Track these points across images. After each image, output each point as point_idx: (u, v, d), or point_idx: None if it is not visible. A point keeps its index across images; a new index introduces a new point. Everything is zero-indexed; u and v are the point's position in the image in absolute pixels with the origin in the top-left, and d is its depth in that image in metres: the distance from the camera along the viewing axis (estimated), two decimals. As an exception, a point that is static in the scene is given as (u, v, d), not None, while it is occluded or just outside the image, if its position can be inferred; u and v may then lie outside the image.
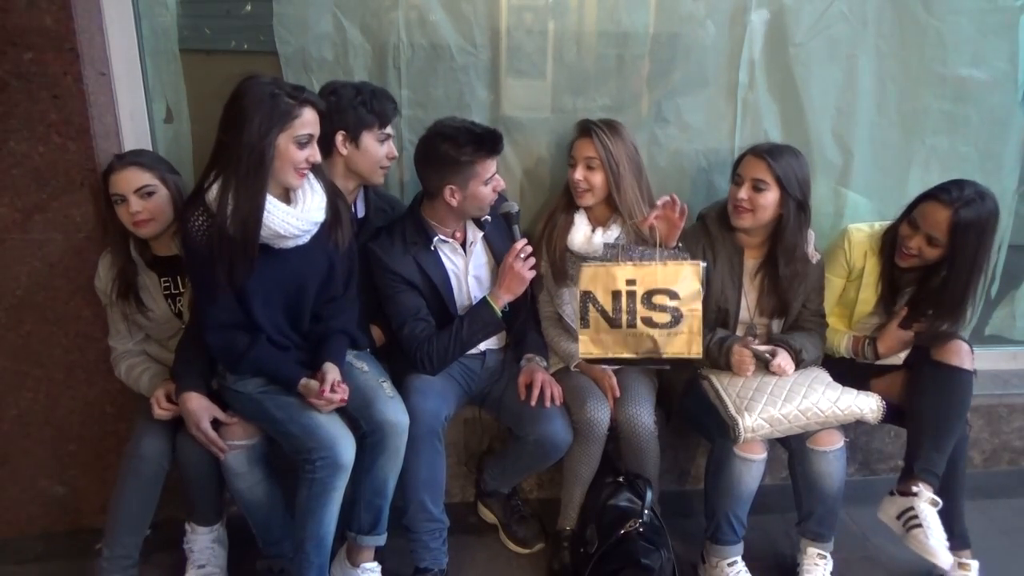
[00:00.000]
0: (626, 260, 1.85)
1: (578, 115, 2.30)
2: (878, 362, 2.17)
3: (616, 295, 1.85)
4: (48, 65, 1.90)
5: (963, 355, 2.00)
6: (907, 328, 2.10)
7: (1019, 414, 2.64)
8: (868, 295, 2.18)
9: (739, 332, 2.16)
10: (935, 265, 2.03)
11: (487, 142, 1.92)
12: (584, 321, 1.88)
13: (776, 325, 2.17)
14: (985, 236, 1.97)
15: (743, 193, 2.00)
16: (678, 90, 2.37)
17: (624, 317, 1.85)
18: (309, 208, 1.73)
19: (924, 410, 1.98)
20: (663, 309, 1.84)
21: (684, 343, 1.85)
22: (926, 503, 1.91)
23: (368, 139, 1.97)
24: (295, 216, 1.69)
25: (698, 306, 1.84)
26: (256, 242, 1.66)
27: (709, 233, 2.13)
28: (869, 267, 2.17)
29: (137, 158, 1.89)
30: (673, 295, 1.84)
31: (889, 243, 2.11)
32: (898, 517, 1.94)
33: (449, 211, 2.02)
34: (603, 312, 1.86)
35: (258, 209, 1.63)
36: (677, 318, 1.84)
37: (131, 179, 1.83)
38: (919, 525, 1.88)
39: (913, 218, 2.02)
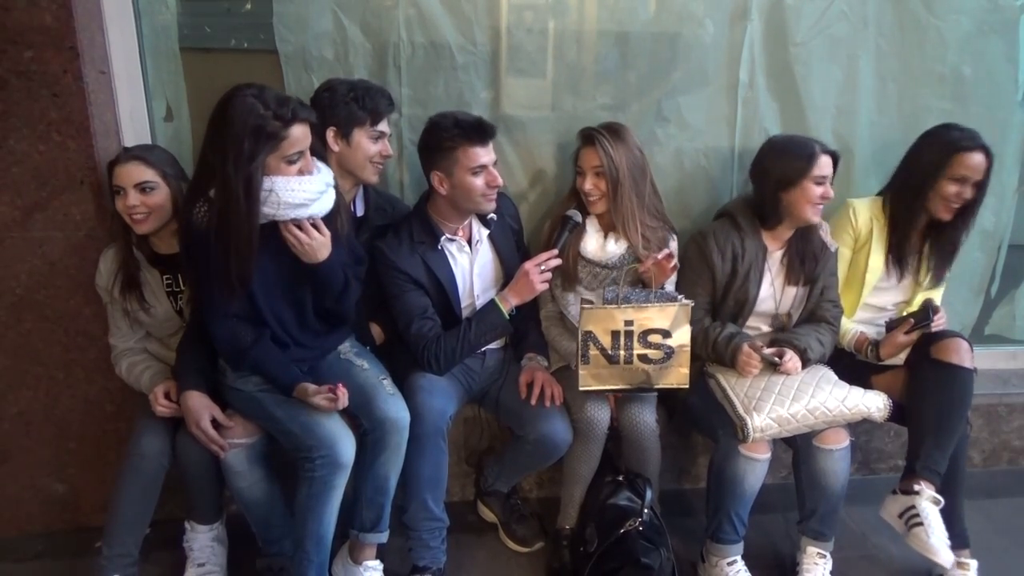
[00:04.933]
0: (625, 304, 1.95)
1: (578, 114, 2.30)
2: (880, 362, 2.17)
3: (615, 334, 1.97)
4: (48, 63, 1.90)
5: (963, 353, 2.01)
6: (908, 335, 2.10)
7: (1019, 414, 2.64)
8: (876, 262, 2.21)
9: (762, 324, 2.16)
10: (941, 222, 2.15)
11: (470, 128, 1.93)
12: (585, 358, 1.99)
13: (800, 299, 2.15)
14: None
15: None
16: (678, 89, 2.37)
17: (622, 354, 1.98)
18: (315, 180, 1.70)
19: (925, 409, 1.98)
20: (657, 347, 1.97)
21: (674, 376, 2.00)
22: (928, 501, 1.91)
23: (359, 136, 1.96)
24: (299, 183, 1.65)
25: (687, 342, 1.97)
26: (254, 253, 1.64)
27: (740, 227, 2.10)
28: (876, 232, 2.20)
29: (143, 153, 1.87)
30: (666, 334, 1.96)
31: (905, 208, 2.16)
32: (900, 515, 1.95)
33: (445, 203, 2.02)
34: (603, 350, 1.97)
35: (252, 232, 1.61)
36: (669, 354, 1.98)
37: (132, 173, 1.83)
38: (920, 524, 1.89)
39: (957, 174, 2.07)
